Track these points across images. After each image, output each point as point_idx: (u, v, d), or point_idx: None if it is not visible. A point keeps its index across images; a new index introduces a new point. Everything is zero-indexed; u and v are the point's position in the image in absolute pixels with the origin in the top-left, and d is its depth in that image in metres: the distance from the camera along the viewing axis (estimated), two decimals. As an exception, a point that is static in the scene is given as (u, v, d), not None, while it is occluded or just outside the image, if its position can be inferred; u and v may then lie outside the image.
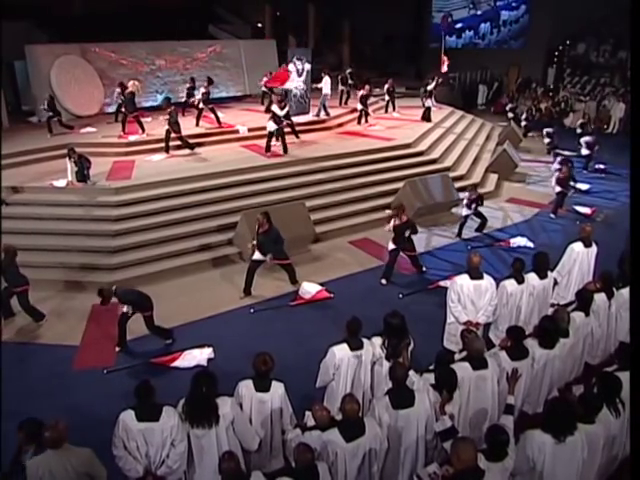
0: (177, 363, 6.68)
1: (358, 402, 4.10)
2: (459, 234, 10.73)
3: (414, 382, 4.70)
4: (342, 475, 4.03)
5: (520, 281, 6.48)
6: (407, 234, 8.52)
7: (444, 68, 19.00)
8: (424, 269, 9.18)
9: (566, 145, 16.75)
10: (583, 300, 5.78)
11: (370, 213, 11.31)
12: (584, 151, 15.36)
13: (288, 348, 6.70)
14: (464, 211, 10.72)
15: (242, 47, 19.78)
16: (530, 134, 19.31)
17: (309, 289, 8.40)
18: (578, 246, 7.33)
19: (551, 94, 24.44)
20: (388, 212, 9.08)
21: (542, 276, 6.59)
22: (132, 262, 9.06)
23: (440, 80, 18.17)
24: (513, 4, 25.81)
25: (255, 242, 8.21)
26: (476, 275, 6.26)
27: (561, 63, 25.50)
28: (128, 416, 4.13)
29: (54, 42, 16.64)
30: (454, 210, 11.84)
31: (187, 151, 12.67)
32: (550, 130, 17.27)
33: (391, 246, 8.71)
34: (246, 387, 4.54)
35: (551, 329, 5.16)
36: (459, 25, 27.58)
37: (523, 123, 19.26)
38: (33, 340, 7.36)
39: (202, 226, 10.00)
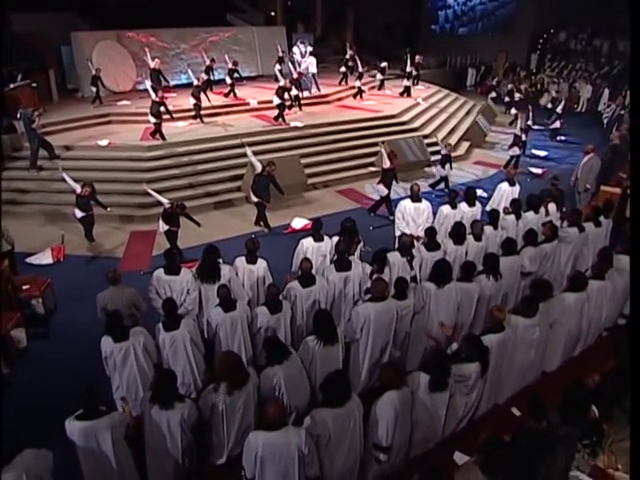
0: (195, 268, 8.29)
1: (311, 262, 5.65)
2: (432, 186, 11.94)
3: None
4: (300, 312, 5.61)
5: (454, 207, 7.93)
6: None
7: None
8: (372, 214, 10.50)
9: (539, 121, 17.66)
10: (491, 217, 7.26)
11: (356, 169, 12.80)
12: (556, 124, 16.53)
13: (279, 259, 8.10)
14: (439, 171, 11.73)
15: (255, 33, 20.93)
16: (512, 111, 20.28)
17: (299, 222, 9.96)
18: (504, 185, 8.75)
19: (532, 77, 25.35)
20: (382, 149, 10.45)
21: (470, 204, 8.01)
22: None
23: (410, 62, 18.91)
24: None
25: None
26: (416, 199, 7.76)
27: (544, 50, 26.27)
28: (159, 271, 5.76)
29: (94, 29, 17.94)
30: (427, 169, 13.23)
31: (207, 119, 14.10)
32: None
33: (385, 192, 10.02)
34: (240, 261, 6.11)
35: (460, 231, 6.65)
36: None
37: (509, 99, 20.01)
38: (90, 253, 9.11)
39: (216, 176, 11.57)
